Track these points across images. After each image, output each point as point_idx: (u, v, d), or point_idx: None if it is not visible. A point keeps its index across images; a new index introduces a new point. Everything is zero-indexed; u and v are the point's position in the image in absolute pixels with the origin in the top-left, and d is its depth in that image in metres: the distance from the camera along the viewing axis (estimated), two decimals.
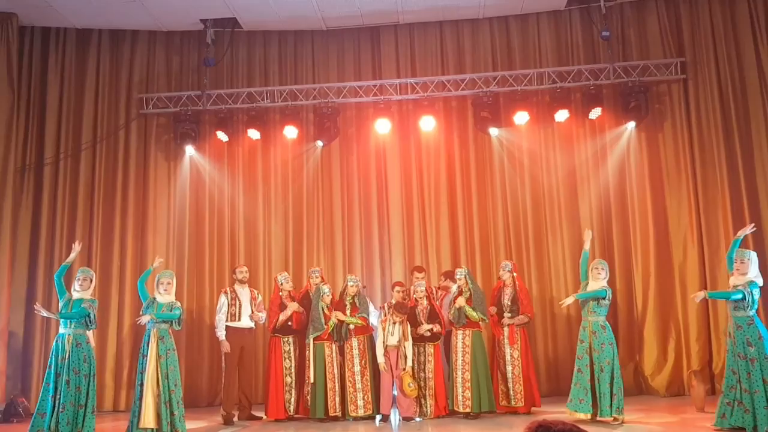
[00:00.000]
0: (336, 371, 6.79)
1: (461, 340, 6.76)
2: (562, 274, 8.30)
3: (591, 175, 8.47)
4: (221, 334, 7.11)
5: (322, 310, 6.82)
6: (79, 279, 6.35)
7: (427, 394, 6.77)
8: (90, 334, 6.37)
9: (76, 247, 6.58)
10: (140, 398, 6.13)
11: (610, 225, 8.35)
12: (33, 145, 8.58)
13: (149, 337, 6.31)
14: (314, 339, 6.83)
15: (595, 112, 8.23)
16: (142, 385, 6.17)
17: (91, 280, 6.45)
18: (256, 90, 8.84)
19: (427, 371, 6.79)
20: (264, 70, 9.08)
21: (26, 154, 8.50)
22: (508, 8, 8.62)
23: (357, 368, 6.76)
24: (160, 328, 6.31)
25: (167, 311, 6.36)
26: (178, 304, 6.49)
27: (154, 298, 6.43)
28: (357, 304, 6.94)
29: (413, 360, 6.79)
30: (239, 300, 7.18)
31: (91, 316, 6.26)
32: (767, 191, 7.94)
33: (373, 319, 7.11)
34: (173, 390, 6.22)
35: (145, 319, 6.34)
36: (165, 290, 6.43)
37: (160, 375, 6.17)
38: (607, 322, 6.38)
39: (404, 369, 6.62)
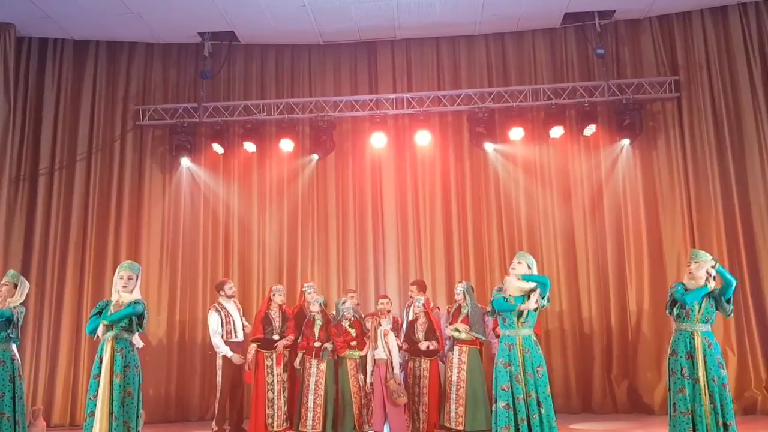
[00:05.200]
0: (325, 388, 6.64)
1: (458, 356, 6.65)
2: (557, 289, 8.28)
3: (585, 191, 8.50)
4: (226, 351, 6.90)
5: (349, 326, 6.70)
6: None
7: (420, 409, 6.69)
8: (15, 348, 5.37)
9: None
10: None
11: (604, 242, 8.35)
12: (28, 155, 8.54)
13: (102, 349, 4.80)
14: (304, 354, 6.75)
15: (590, 129, 8.28)
16: (92, 415, 4.69)
17: (16, 286, 5.36)
18: (253, 103, 8.87)
19: (421, 386, 6.70)
20: (260, 83, 9.12)
21: (21, 164, 8.46)
22: (504, 25, 8.68)
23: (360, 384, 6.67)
24: (118, 337, 4.80)
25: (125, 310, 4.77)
26: (142, 300, 4.94)
27: (107, 302, 4.96)
28: (362, 324, 6.78)
29: (410, 374, 6.73)
30: (231, 316, 7.08)
31: (14, 321, 5.18)
32: (760, 209, 7.98)
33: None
34: (128, 423, 4.69)
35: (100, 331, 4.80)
36: (124, 287, 4.86)
37: (113, 401, 4.66)
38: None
39: (391, 379, 6.52)
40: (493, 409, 4.79)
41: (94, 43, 8.93)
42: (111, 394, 4.66)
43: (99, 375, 4.73)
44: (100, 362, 4.77)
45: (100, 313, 4.88)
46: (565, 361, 8.17)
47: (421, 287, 7.40)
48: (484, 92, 8.64)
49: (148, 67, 9.05)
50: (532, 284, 4.85)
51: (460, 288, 6.84)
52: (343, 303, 6.78)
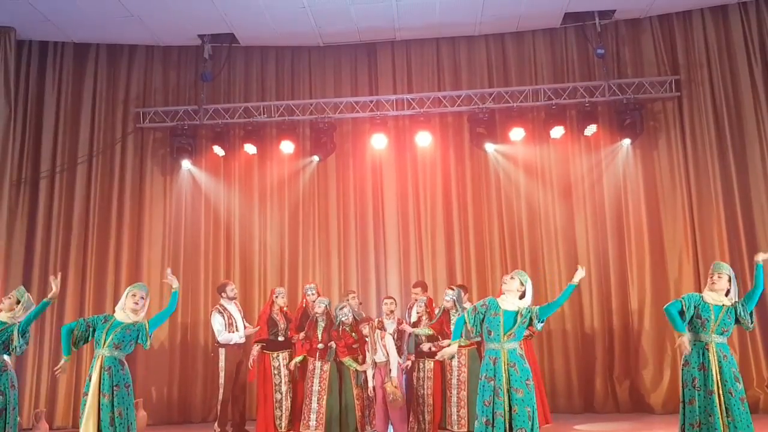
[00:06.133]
0: (327, 389, 6.65)
1: (457, 358, 6.59)
2: (558, 289, 8.25)
3: (586, 191, 8.50)
4: (239, 336, 6.97)
5: (350, 329, 6.67)
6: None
7: (426, 410, 6.65)
8: (9, 360, 5.30)
9: (55, 282, 5.41)
10: None
11: (606, 241, 8.35)
12: (29, 159, 8.56)
13: (93, 367, 4.79)
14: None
15: (591, 129, 8.28)
16: None
17: (19, 301, 5.38)
18: (253, 105, 8.87)
19: (426, 388, 6.67)
20: (261, 85, 9.12)
21: (22, 167, 8.48)
22: (504, 26, 8.68)
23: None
24: (107, 356, 4.78)
25: (124, 331, 4.81)
26: (145, 322, 4.98)
27: (106, 317, 4.98)
28: (363, 331, 6.73)
29: (413, 376, 6.71)
30: (233, 318, 7.10)
31: (14, 337, 5.15)
32: (761, 208, 7.98)
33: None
34: None
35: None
36: (136, 303, 4.91)
37: (101, 420, 4.64)
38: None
39: (388, 382, 6.49)
40: (476, 424, 4.62)
41: (95, 46, 8.94)
42: (99, 413, 4.65)
43: (87, 393, 4.72)
44: (90, 380, 4.75)
45: (72, 330, 4.90)
46: (566, 360, 8.17)
47: (425, 289, 7.40)
48: (484, 93, 8.64)
49: (149, 70, 9.05)
50: (527, 302, 4.75)
51: (450, 295, 6.69)
52: (341, 309, 6.68)
